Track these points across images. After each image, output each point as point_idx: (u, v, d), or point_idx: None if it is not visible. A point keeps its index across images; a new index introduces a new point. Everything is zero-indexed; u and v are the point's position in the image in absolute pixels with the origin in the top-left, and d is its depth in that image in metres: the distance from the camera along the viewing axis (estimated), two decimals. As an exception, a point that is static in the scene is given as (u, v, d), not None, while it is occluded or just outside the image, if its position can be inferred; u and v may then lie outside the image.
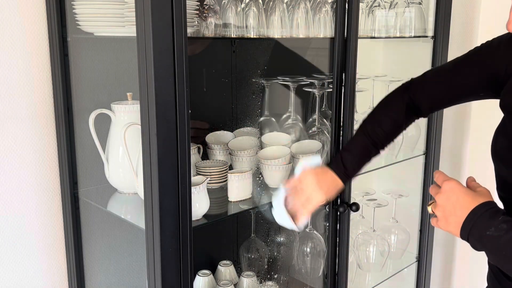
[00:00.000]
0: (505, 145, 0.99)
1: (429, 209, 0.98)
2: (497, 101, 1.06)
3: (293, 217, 1.23)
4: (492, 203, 0.89)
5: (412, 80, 1.28)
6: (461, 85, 1.16)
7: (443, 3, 1.73)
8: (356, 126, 1.63)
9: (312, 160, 1.28)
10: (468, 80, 1.14)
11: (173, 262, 1.04)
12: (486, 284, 1.14)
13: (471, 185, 0.96)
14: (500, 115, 1.05)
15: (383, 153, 1.29)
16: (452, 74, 1.18)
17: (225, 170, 1.36)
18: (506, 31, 1.01)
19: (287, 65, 1.75)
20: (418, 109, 1.26)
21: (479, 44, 1.14)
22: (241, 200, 1.33)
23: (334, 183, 1.25)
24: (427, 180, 1.89)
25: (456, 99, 1.23)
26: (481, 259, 1.19)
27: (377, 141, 1.25)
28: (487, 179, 1.14)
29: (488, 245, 0.86)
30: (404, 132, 1.78)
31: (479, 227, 0.87)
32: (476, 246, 0.89)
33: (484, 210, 0.87)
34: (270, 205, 1.26)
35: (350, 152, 1.27)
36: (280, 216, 1.24)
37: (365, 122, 1.29)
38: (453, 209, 0.91)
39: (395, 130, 1.28)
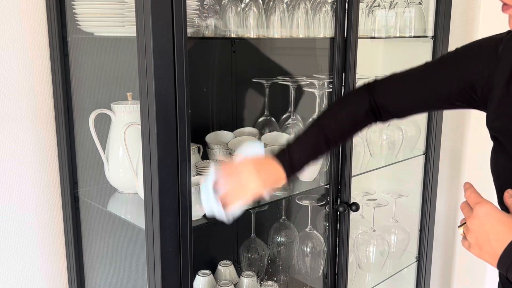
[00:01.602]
0: (509, 167, 0.92)
1: (460, 230, 0.89)
2: None
3: (224, 205, 1.08)
4: None
5: (376, 81, 1.15)
6: (434, 92, 1.06)
7: (443, 3, 1.73)
8: (356, 126, 1.63)
9: (255, 147, 1.14)
10: (442, 87, 1.04)
11: (173, 262, 1.04)
12: (486, 284, 1.14)
13: (510, 203, 0.87)
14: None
15: (330, 152, 1.17)
16: (425, 79, 1.07)
17: (225, 170, 1.36)
18: (479, 38, 0.98)
19: (287, 65, 1.75)
20: (379, 114, 1.14)
21: None
22: (241, 200, 1.32)
23: (275, 174, 1.10)
24: (427, 180, 1.89)
25: (427, 107, 1.13)
26: (480, 259, 1.19)
27: (330, 137, 1.13)
28: (487, 179, 1.14)
29: None
30: (404, 132, 1.79)
31: None
32: None
33: None
34: (199, 188, 1.11)
35: (300, 145, 1.13)
36: (208, 202, 1.08)
37: (320, 116, 1.17)
38: (488, 238, 0.83)
39: (351, 129, 1.17)
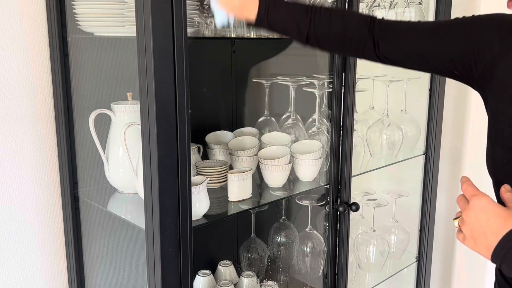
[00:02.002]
0: (508, 158, 0.91)
1: (456, 223, 0.89)
2: None
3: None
4: None
5: (383, 19, 1.08)
6: (438, 49, 1.01)
7: (443, 3, 1.73)
8: (356, 126, 1.64)
9: None
10: (449, 46, 0.99)
11: (173, 262, 1.04)
12: (486, 284, 1.14)
13: (506, 197, 0.86)
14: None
15: (303, 45, 1.10)
16: (433, 32, 1.02)
17: (225, 170, 1.36)
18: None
19: (287, 65, 1.75)
20: (373, 47, 1.08)
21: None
22: (241, 200, 1.33)
23: (249, 5, 1.06)
24: (427, 180, 1.89)
25: (424, 63, 1.07)
26: (480, 259, 1.20)
27: (315, 24, 1.07)
28: (488, 178, 1.14)
29: None
30: (404, 132, 1.79)
31: None
32: (509, 272, 0.82)
33: None
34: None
35: (284, 12, 1.08)
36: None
37: (315, 10, 1.09)
38: (483, 230, 0.82)
39: (338, 40, 1.09)
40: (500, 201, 0.89)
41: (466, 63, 0.97)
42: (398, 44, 1.06)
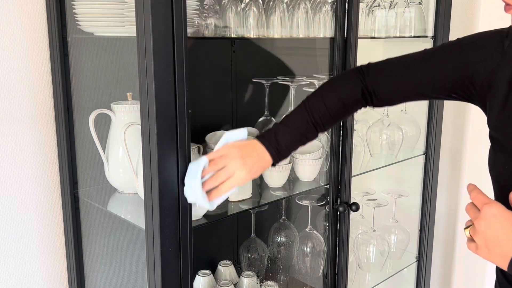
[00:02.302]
0: (509, 165, 0.90)
1: (467, 232, 0.86)
2: None
3: (208, 193, 1.04)
4: None
5: (370, 64, 1.12)
6: (431, 81, 1.02)
7: (443, 3, 1.73)
8: (356, 126, 1.64)
9: (238, 134, 1.09)
10: (440, 77, 1.01)
11: (173, 262, 1.04)
12: (486, 284, 1.13)
13: None
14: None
15: (318, 136, 1.14)
16: (423, 67, 1.03)
17: (225, 170, 1.36)
18: (484, 30, 0.96)
19: (287, 65, 1.75)
20: (371, 99, 1.11)
21: None
22: (241, 200, 1.33)
23: (261, 159, 1.06)
24: (427, 180, 1.89)
25: (421, 96, 1.09)
26: (480, 259, 1.20)
27: (318, 121, 1.09)
28: (488, 178, 1.14)
29: None
30: (404, 132, 1.79)
31: None
32: None
33: None
34: (182, 182, 1.04)
35: (287, 127, 1.09)
36: (192, 192, 1.02)
37: (309, 98, 1.12)
38: (497, 239, 0.80)
39: (340, 113, 1.12)
40: (506, 205, 0.88)
41: (463, 87, 0.98)
42: (392, 88, 1.09)
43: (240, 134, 1.09)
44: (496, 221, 0.81)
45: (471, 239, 0.86)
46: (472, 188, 0.88)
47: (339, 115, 1.13)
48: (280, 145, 1.07)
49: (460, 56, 0.98)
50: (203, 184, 1.02)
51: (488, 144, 1.00)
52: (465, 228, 0.87)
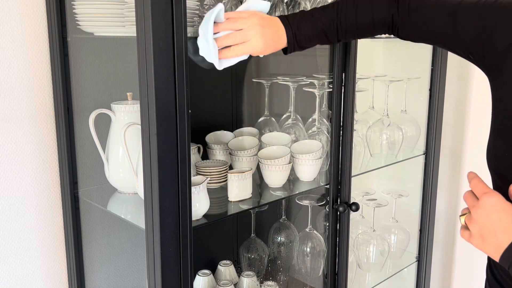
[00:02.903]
0: (510, 152, 0.89)
1: (462, 220, 0.85)
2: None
3: (219, 51, 1.02)
4: None
5: (401, 3, 1.11)
6: (456, 35, 1.00)
7: (443, 3, 1.73)
8: (356, 126, 1.64)
9: (261, 4, 1.05)
10: (465, 33, 0.98)
11: (173, 262, 1.04)
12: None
13: None
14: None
15: (335, 43, 1.18)
16: (449, 22, 1.01)
17: (225, 170, 1.36)
18: None
19: (287, 65, 1.75)
20: (397, 28, 1.12)
21: None
22: (241, 200, 1.33)
23: (279, 38, 1.05)
24: (427, 180, 1.89)
25: (444, 44, 1.07)
26: (481, 259, 1.20)
27: (343, 26, 1.10)
28: (487, 178, 1.14)
29: None
30: (404, 132, 1.79)
31: None
32: None
33: None
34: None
35: (312, 17, 1.08)
36: (204, 40, 1.00)
37: (342, 1, 1.11)
38: (493, 229, 0.79)
39: (365, 29, 1.13)
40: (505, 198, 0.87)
41: (479, 50, 0.96)
42: (418, 27, 1.09)
43: (263, 5, 1.05)
44: (494, 211, 0.80)
45: (465, 227, 0.85)
46: (472, 176, 0.87)
47: (363, 30, 1.13)
48: (300, 33, 1.06)
49: (487, 18, 0.94)
50: (216, 40, 0.99)
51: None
52: (460, 216, 0.86)
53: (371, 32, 1.16)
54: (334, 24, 1.10)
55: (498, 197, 0.81)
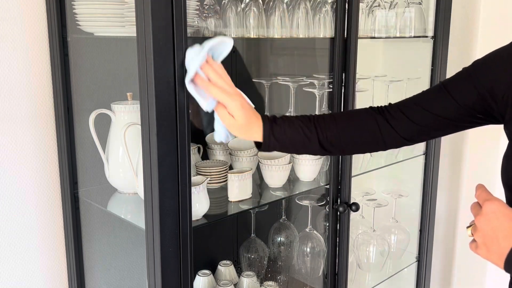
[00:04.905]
0: None
1: (469, 231, 0.84)
2: None
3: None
4: None
5: (382, 108, 1.09)
6: (454, 105, 1.00)
7: (443, 3, 1.73)
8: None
9: (223, 46, 1.01)
10: (462, 98, 0.99)
11: (173, 262, 1.04)
12: (486, 284, 1.12)
13: None
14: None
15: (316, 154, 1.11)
16: (444, 93, 1.01)
17: (225, 170, 1.36)
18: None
19: (287, 65, 1.75)
20: (388, 138, 1.07)
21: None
22: (241, 200, 1.33)
23: (253, 132, 1.05)
24: (427, 180, 1.89)
25: (449, 127, 1.04)
26: (480, 259, 1.19)
27: (321, 134, 1.06)
28: (487, 178, 1.14)
29: None
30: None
31: None
32: None
33: None
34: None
35: (287, 134, 1.06)
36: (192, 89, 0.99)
37: (319, 117, 1.09)
38: (495, 236, 0.77)
39: (353, 140, 1.09)
40: None
41: (485, 103, 0.96)
42: (413, 121, 1.05)
43: (225, 47, 1.01)
44: (495, 217, 0.78)
45: (473, 239, 0.84)
46: (478, 187, 0.86)
47: (349, 138, 1.08)
48: (273, 141, 1.05)
49: (478, 75, 0.97)
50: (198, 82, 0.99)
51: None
52: (467, 227, 0.85)
53: (359, 137, 1.10)
54: (312, 123, 1.07)
55: (499, 203, 0.79)
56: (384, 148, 1.10)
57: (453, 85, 1.01)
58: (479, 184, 0.87)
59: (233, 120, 1.02)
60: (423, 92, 1.07)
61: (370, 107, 1.10)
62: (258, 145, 1.08)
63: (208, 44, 0.98)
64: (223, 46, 1.01)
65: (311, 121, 1.08)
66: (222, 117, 1.03)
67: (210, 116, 1.06)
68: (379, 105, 1.10)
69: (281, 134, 1.06)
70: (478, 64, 0.98)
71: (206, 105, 1.01)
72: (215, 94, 0.99)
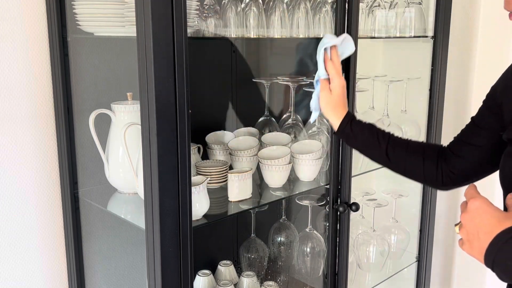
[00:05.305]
0: None
1: (456, 229, 0.86)
2: None
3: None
4: None
5: (448, 146, 1.25)
6: (493, 127, 1.09)
7: (443, 3, 1.73)
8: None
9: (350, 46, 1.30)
10: (494, 119, 1.08)
11: (173, 262, 1.04)
12: (486, 284, 1.13)
13: (509, 204, 0.83)
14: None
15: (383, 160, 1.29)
16: (479, 122, 1.14)
17: (225, 170, 1.36)
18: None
19: (287, 65, 1.75)
20: (445, 178, 1.21)
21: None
22: (241, 200, 1.33)
23: (335, 116, 1.27)
24: (427, 180, 1.88)
25: (491, 155, 1.11)
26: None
27: (391, 148, 1.25)
28: (487, 179, 1.14)
29: None
30: (404, 132, 1.79)
31: (505, 256, 0.75)
32: (503, 277, 0.78)
33: (510, 236, 0.75)
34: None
35: (361, 133, 1.26)
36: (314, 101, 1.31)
37: (392, 139, 1.26)
38: (476, 232, 0.79)
39: (417, 150, 1.27)
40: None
41: (499, 119, 1.06)
42: (466, 155, 1.16)
43: (349, 48, 1.30)
44: (477, 214, 0.80)
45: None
46: (469, 186, 0.88)
47: (411, 159, 1.27)
48: (349, 132, 1.26)
49: (495, 99, 1.08)
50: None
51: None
52: (455, 225, 0.87)
53: (421, 160, 1.28)
54: (387, 135, 1.25)
55: (482, 201, 0.81)
56: (442, 186, 1.24)
57: (484, 110, 1.14)
58: (471, 184, 0.89)
59: (330, 95, 1.26)
60: (462, 135, 1.22)
61: (437, 146, 1.29)
62: (335, 131, 1.30)
63: (342, 36, 1.27)
64: (347, 46, 1.29)
65: (387, 133, 1.26)
66: (323, 88, 1.26)
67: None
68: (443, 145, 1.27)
69: (358, 127, 1.26)
70: (491, 89, 1.11)
71: (314, 104, 1.29)
72: (330, 69, 1.25)
